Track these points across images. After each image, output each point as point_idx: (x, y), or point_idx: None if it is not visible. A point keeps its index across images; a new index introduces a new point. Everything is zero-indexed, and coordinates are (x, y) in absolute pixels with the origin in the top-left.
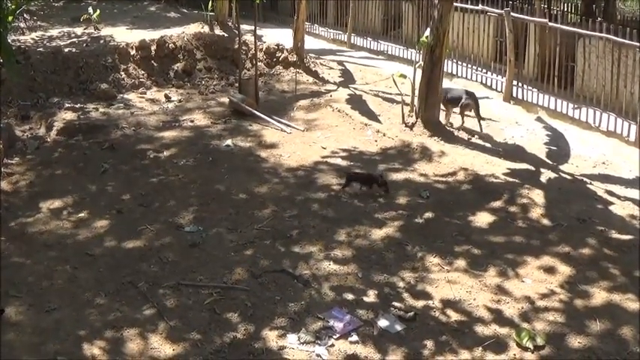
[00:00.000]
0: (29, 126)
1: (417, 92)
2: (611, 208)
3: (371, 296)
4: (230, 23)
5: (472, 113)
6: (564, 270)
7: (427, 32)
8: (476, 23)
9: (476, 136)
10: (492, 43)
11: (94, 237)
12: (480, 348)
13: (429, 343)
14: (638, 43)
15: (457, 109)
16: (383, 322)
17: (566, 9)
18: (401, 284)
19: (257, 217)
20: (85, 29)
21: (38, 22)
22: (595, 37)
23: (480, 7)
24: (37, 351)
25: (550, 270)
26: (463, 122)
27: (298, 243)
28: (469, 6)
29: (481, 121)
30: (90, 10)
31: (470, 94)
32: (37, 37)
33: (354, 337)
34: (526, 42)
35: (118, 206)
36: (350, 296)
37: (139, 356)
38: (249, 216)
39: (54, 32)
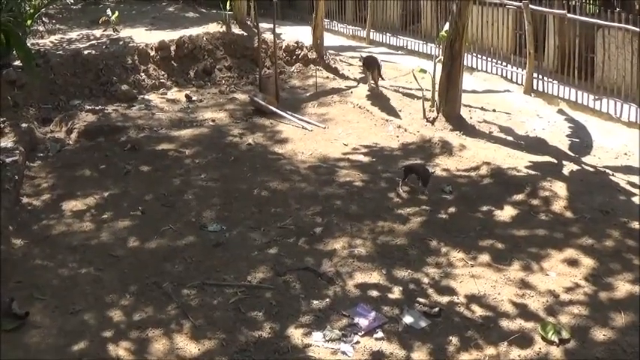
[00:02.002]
0: (50, 128)
1: (437, 87)
2: (633, 199)
3: (395, 292)
4: (249, 22)
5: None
6: (588, 263)
7: (446, 26)
8: (494, 16)
9: (497, 129)
10: (512, 35)
11: (117, 238)
12: (506, 343)
13: (454, 339)
14: None
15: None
16: (408, 319)
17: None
18: (425, 280)
19: (280, 215)
20: (103, 31)
21: (57, 25)
22: (614, 27)
23: None
24: (63, 352)
25: (574, 263)
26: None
27: (322, 240)
28: None
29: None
30: (108, 12)
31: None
32: (56, 40)
33: (380, 334)
34: (545, 34)
35: (141, 207)
36: (374, 293)
37: (165, 356)
38: (272, 214)
39: (73, 35)
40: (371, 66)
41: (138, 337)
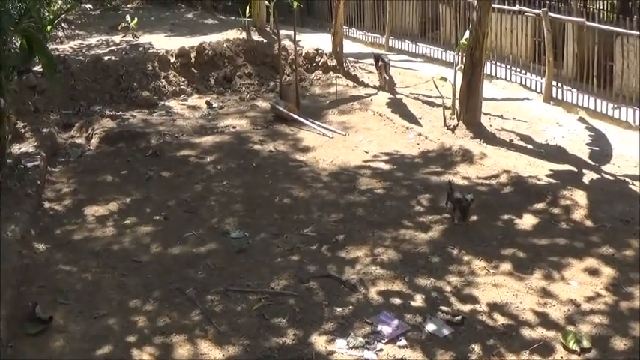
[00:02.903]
0: (71, 134)
1: (457, 94)
2: None
3: (418, 300)
4: (268, 29)
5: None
6: (608, 272)
7: (467, 34)
8: (513, 24)
9: (517, 137)
10: (530, 43)
11: (140, 244)
12: (527, 351)
13: (477, 347)
14: None
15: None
16: (431, 326)
17: (601, 7)
18: (448, 288)
19: (302, 222)
20: (123, 37)
21: (76, 31)
22: (633, 35)
23: (518, 7)
24: (87, 357)
25: (594, 272)
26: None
27: (344, 248)
28: (506, 7)
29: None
30: (127, 18)
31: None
32: (75, 45)
33: (403, 342)
34: (564, 42)
35: (164, 213)
36: (397, 300)
37: None
38: (294, 221)
39: (92, 41)
40: (379, 63)
41: (162, 343)
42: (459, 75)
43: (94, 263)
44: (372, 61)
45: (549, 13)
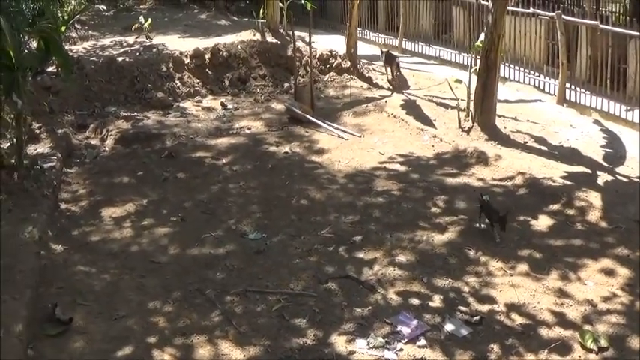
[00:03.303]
0: (86, 135)
1: (472, 96)
2: None
3: (436, 301)
4: (281, 30)
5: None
6: (624, 272)
7: (482, 37)
8: (527, 26)
9: (531, 139)
10: (544, 45)
11: (158, 245)
12: (546, 350)
13: (496, 347)
14: None
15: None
16: (449, 326)
17: (614, 10)
18: (465, 289)
19: (319, 224)
20: (136, 38)
21: (89, 32)
22: None
23: (532, 10)
24: (108, 357)
25: (610, 272)
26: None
27: (362, 249)
28: (520, 9)
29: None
30: (141, 19)
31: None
32: (89, 46)
33: (422, 342)
34: (577, 44)
35: (181, 214)
36: (416, 301)
37: None
38: (312, 222)
39: (106, 42)
40: (389, 61)
41: (183, 343)
42: (474, 77)
43: (112, 264)
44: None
45: (563, 16)
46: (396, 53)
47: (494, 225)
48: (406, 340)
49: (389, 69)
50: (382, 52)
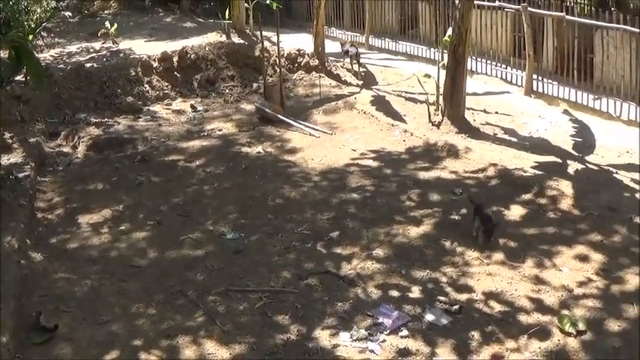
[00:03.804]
0: (58, 142)
1: (441, 90)
2: (638, 195)
3: (415, 292)
4: (248, 31)
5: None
6: (598, 258)
7: (449, 31)
8: (493, 19)
9: (501, 131)
10: (510, 38)
11: (136, 249)
12: (525, 336)
13: (476, 334)
14: None
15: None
16: (430, 316)
17: (579, 1)
18: (443, 279)
19: (296, 221)
20: (103, 44)
21: (56, 39)
22: (613, 28)
23: (497, 3)
24: None
25: (585, 258)
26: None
27: (339, 244)
28: (486, 3)
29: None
30: (107, 24)
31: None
32: (56, 54)
33: (404, 332)
34: (543, 36)
35: (158, 217)
36: (395, 293)
37: None
38: (288, 220)
39: (72, 48)
40: (348, 54)
41: (168, 345)
42: (442, 71)
43: (92, 270)
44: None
45: (529, 8)
46: (366, 52)
47: (481, 229)
48: (388, 331)
49: (349, 61)
50: (342, 47)
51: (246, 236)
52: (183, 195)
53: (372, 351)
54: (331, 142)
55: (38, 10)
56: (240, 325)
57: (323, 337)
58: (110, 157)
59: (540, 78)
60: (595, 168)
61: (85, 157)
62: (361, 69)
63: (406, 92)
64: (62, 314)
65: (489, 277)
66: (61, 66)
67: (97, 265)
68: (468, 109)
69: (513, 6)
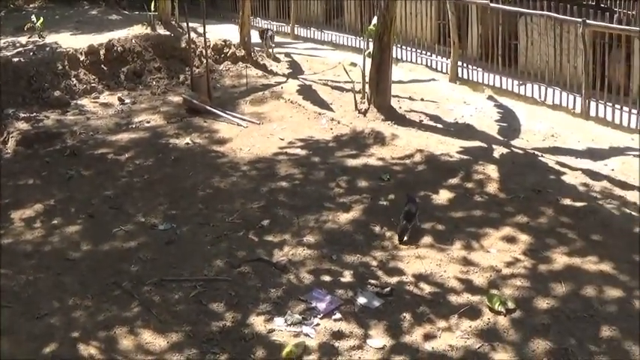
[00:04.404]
0: None
1: (367, 79)
2: (563, 177)
3: (347, 276)
4: (173, 22)
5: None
6: (525, 239)
7: (374, 20)
8: (418, 8)
9: (427, 118)
10: (435, 26)
11: (70, 242)
12: (456, 315)
13: (408, 315)
14: (579, 19)
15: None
16: (362, 299)
17: None
18: (374, 263)
19: (226, 211)
20: (29, 38)
21: None
22: (536, 15)
23: None
24: (36, 356)
25: (512, 240)
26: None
27: (270, 232)
28: None
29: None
30: (33, 18)
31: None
32: None
33: (338, 315)
34: (468, 23)
35: (89, 210)
36: (327, 278)
37: (136, 351)
38: (219, 210)
39: None
40: (264, 35)
41: (106, 336)
42: (368, 60)
43: (27, 265)
44: (279, 50)
45: None
46: (292, 41)
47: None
48: (322, 315)
49: (264, 42)
50: (260, 35)
51: (177, 227)
52: (114, 188)
53: (306, 335)
54: (259, 132)
55: None
56: (176, 314)
57: (258, 322)
58: (40, 152)
59: (465, 65)
60: (520, 152)
61: (15, 153)
62: (286, 58)
63: (332, 81)
64: (1, 309)
65: (419, 259)
66: None
67: (32, 260)
68: (394, 96)
69: None
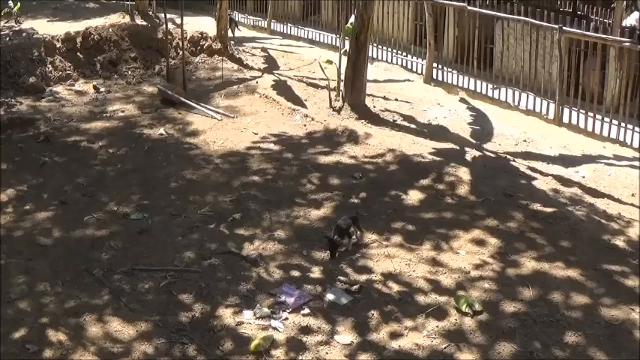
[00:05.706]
0: None
1: (342, 77)
2: (534, 182)
3: (316, 272)
4: (150, 12)
5: None
6: (494, 242)
7: (352, 19)
8: (395, 8)
9: (400, 118)
10: (412, 26)
11: (42, 228)
12: (423, 315)
13: (375, 313)
14: (555, 26)
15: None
16: (330, 296)
17: None
18: (343, 260)
19: (199, 203)
20: (5, 23)
21: None
22: (513, 19)
23: None
24: (5, 340)
25: (481, 242)
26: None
27: (242, 225)
28: None
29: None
30: (10, 3)
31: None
32: None
33: (306, 310)
34: (445, 25)
35: (62, 197)
36: (297, 273)
37: (105, 339)
38: (191, 202)
39: None
40: (231, 23)
41: (76, 323)
42: (344, 58)
43: None
44: (254, 44)
45: None
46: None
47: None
48: (290, 309)
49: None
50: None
51: (150, 217)
52: (87, 175)
53: (275, 328)
54: (233, 126)
55: None
56: (146, 304)
57: (227, 315)
58: (13, 137)
59: (440, 66)
60: (492, 155)
61: None
62: (262, 53)
63: (307, 77)
64: None
65: (388, 258)
66: None
67: (3, 244)
68: (369, 95)
69: None
